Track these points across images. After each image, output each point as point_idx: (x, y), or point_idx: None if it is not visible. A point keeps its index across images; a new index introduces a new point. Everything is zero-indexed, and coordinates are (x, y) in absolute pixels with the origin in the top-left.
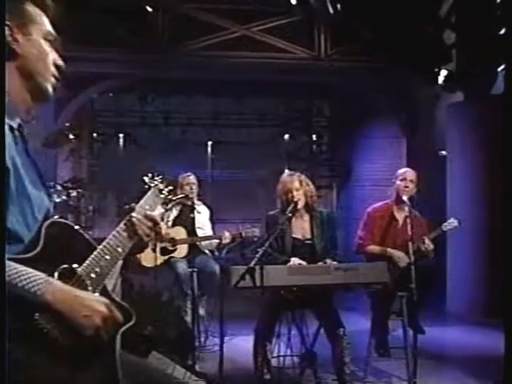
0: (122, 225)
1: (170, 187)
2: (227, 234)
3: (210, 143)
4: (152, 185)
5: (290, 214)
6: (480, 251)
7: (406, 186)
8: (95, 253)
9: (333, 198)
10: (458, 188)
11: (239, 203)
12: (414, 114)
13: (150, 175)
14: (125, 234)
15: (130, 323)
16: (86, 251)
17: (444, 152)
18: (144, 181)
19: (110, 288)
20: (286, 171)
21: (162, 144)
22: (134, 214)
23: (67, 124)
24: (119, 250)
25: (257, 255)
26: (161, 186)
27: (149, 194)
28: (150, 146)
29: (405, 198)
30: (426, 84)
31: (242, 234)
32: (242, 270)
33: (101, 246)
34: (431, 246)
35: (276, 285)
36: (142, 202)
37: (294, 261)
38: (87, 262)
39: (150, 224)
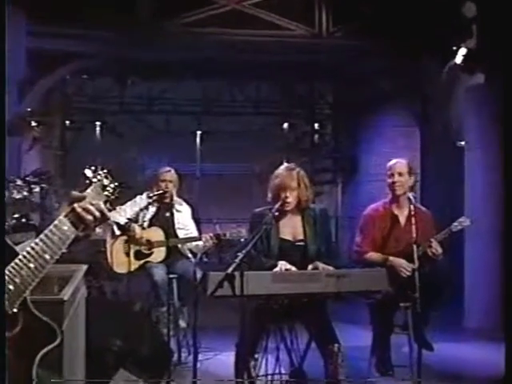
0: (51, 227)
1: (116, 183)
2: (208, 236)
3: (198, 133)
4: (94, 180)
5: (277, 213)
6: (503, 256)
7: (394, 182)
8: (16, 260)
9: (337, 194)
10: (478, 183)
11: (232, 200)
12: (428, 99)
13: (92, 168)
14: (55, 238)
15: (54, 344)
16: (7, 258)
17: (462, 142)
18: (85, 175)
19: (66, 298)
20: (285, 164)
21: (145, 134)
22: (75, 205)
23: (29, 109)
24: (46, 256)
25: (236, 259)
26: (105, 182)
27: (89, 190)
28: (131, 135)
29: (410, 194)
30: (441, 65)
31: (226, 234)
32: (220, 277)
33: (24, 253)
34: (439, 250)
35: (258, 293)
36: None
37: (282, 265)
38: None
39: (97, 214)
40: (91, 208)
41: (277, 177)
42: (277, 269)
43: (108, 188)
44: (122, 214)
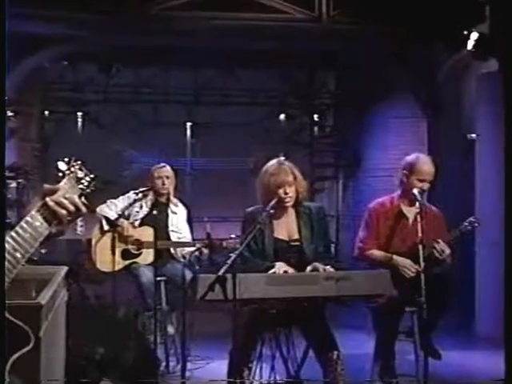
0: (22, 223)
1: (91, 176)
2: (202, 245)
3: (189, 124)
4: (68, 172)
5: (272, 211)
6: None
7: (422, 189)
8: None
9: (338, 191)
10: (491, 179)
11: (225, 198)
12: (436, 88)
13: (66, 160)
14: (27, 235)
15: (27, 348)
16: None
17: (473, 135)
18: (58, 167)
19: (44, 302)
20: (275, 159)
21: (131, 125)
22: (48, 199)
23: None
24: (17, 255)
25: (228, 261)
26: (79, 174)
27: (62, 183)
28: (116, 127)
29: (415, 190)
30: (451, 51)
31: (223, 244)
32: (211, 280)
33: None
34: (446, 251)
35: (252, 297)
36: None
37: (279, 267)
38: None
39: (71, 208)
40: (65, 202)
41: (272, 174)
42: (273, 271)
43: (83, 181)
44: (112, 209)
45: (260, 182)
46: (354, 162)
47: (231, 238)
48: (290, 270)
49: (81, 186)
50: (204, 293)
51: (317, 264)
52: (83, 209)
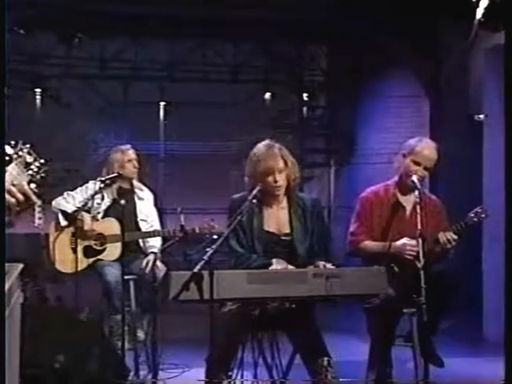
0: None
1: (42, 161)
2: (171, 230)
3: (162, 104)
4: (15, 157)
5: (254, 201)
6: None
7: (420, 175)
8: None
9: (330, 179)
10: (500, 166)
11: (202, 187)
12: (440, 64)
13: (12, 143)
14: None
15: None
16: None
17: (481, 116)
18: (4, 151)
19: None
20: (263, 142)
21: (96, 104)
22: None
23: None
24: None
25: (205, 256)
26: (28, 159)
27: (9, 168)
28: (79, 105)
29: (414, 177)
30: (457, 21)
31: (196, 229)
32: (185, 277)
33: None
34: (454, 237)
35: (231, 297)
36: None
37: (277, 264)
38: None
39: (19, 196)
40: (13, 189)
41: (258, 160)
42: (272, 267)
43: (32, 166)
44: (69, 201)
45: (247, 169)
46: (348, 147)
47: (205, 222)
48: (290, 268)
49: (30, 171)
50: (178, 292)
51: (318, 262)
52: (33, 198)
